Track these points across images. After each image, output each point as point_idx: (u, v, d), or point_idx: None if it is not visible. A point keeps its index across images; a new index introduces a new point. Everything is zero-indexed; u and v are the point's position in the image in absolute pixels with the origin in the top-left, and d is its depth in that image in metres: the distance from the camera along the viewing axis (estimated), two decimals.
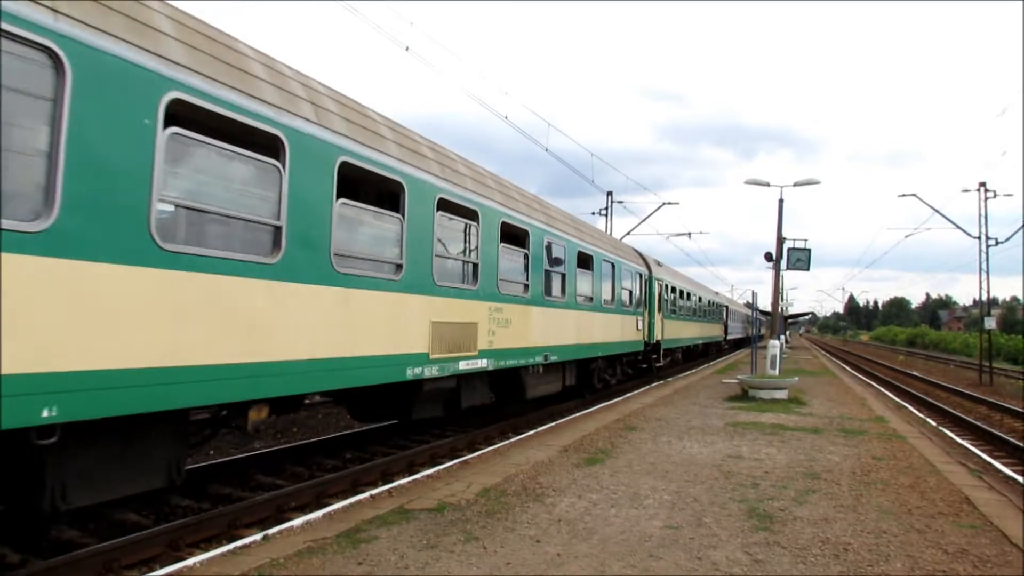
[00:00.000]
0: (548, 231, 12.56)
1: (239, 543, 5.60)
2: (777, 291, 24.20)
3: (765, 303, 33.65)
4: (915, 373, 37.75)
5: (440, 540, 5.71)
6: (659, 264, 23.13)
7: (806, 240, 23.32)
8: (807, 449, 10.24)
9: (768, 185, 23.77)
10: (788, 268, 23.74)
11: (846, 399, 18.45)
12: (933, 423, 15.74)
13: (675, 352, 26.32)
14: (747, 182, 24.17)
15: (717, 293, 45.41)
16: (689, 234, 41.10)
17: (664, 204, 36.24)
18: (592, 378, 16.62)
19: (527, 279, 11.66)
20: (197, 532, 6.28)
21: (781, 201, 23.43)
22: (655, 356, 21.86)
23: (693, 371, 29.54)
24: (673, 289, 24.79)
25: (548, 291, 12.70)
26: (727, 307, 47.53)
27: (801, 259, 23.35)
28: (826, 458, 9.60)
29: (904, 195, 33.26)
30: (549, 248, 12.69)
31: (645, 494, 7.35)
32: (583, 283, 14.67)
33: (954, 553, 5.67)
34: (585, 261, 14.73)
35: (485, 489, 7.43)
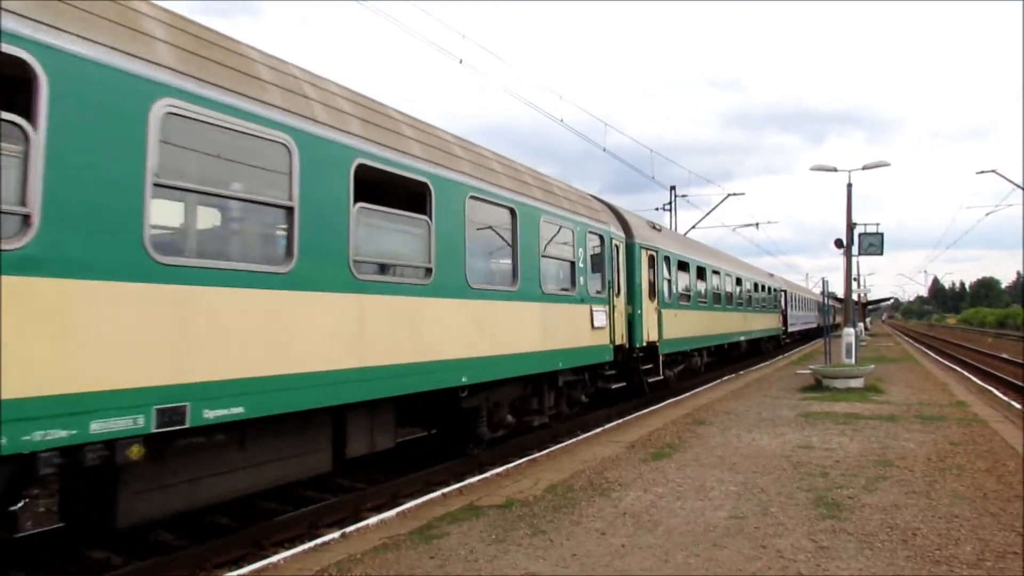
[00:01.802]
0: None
1: (319, 541, 5.95)
2: (849, 277, 23.50)
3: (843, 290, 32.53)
4: (1004, 355, 35.96)
5: (508, 534, 5.93)
6: (655, 227, 16.80)
7: (878, 224, 22.53)
8: (881, 437, 10.04)
9: (835, 170, 23.12)
10: (860, 254, 23.01)
11: (926, 385, 17.86)
12: (1019, 406, 15.07)
13: (691, 358, 19.11)
14: (813, 168, 23.55)
15: (772, 275, 36.28)
16: (757, 224, 40.27)
17: (729, 195, 35.61)
18: (475, 426, 9.42)
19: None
20: (281, 532, 6.69)
21: (850, 186, 22.72)
22: (650, 366, 15.14)
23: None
24: (684, 266, 18.18)
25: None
26: (785, 292, 37.53)
27: (873, 244, 22.58)
28: (900, 445, 9.41)
29: (983, 171, 31.77)
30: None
31: (711, 486, 7.40)
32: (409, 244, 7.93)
33: None
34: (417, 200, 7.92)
35: (552, 485, 7.62)
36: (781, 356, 33.43)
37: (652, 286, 15.25)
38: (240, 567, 5.45)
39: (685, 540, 5.67)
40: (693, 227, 35.50)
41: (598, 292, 12.20)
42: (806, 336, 50.15)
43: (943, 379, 19.95)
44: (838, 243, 23.03)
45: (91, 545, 6.17)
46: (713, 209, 35.62)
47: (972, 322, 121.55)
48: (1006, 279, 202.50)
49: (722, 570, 5.00)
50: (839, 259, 23.92)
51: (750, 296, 27.58)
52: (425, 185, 7.73)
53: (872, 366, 19.06)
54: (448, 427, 9.61)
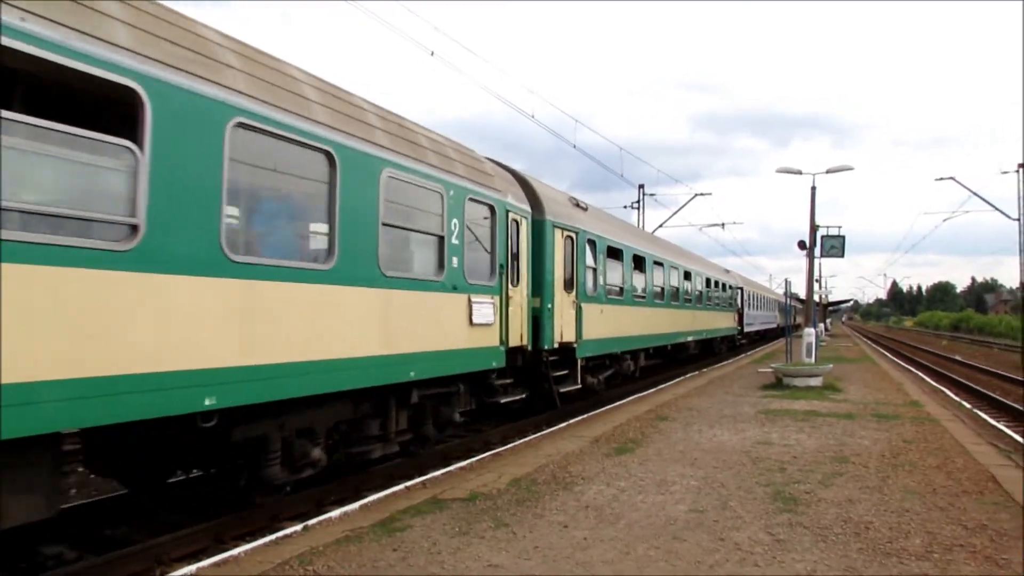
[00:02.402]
0: None
1: (280, 533, 5.91)
2: (811, 279, 23.95)
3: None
4: (957, 358, 37.01)
5: (471, 527, 5.95)
6: (579, 205, 13.89)
7: (840, 227, 23.02)
8: (838, 434, 10.28)
9: (800, 173, 23.52)
10: (822, 255, 23.47)
11: (882, 385, 18.31)
12: (969, 406, 15.55)
13: (622, 361, 16.27)
14: (779, 171, 23.94)
15: (728, 271, 33.19)
16: (722, 224, 40.86)
17: (696, 195, 36.16)
18: (261, 467, 6.66)
19: None
20: (242, 526, 6.63)
21: (813, 189, 23.15)
22: (565, 372, 12.70)
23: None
24: (617, 254, 15.48)
25: None
26: (742, 289, 34.62)
27: (835, 246, 23.06)
28: (856, 442, 9.64)
29: (941, 179, 32.85)
30: None
31: (672, 480, 7.51)
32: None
33: (973, 528, 5.77)
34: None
35: (516, 479, 7.66)
36: (733, 360, 30.33)
37: (571, 275, 12.61)
38: (199, 560, 5.39)
39: (646, 533, 5.75)
40: (661, 225, 35.92)
41: (483, 279, 9.42)
42: (765, 336, 47.83)
43: (899, 379, 20.47)
44: (801, 245, 23.45)
45: (44, 541, 6.04)
46: (680, 208, 36.25)
47: (928, 325, 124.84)
48: (961, 284, 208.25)
49: (681, 562, 5.09)
50: (802, 261, 23.90)
51: (701, 293, 25.02)
52: (132, 92, 4.75)
53: (831, 365, 19.47)
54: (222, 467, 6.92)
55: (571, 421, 12.21)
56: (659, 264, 19.31)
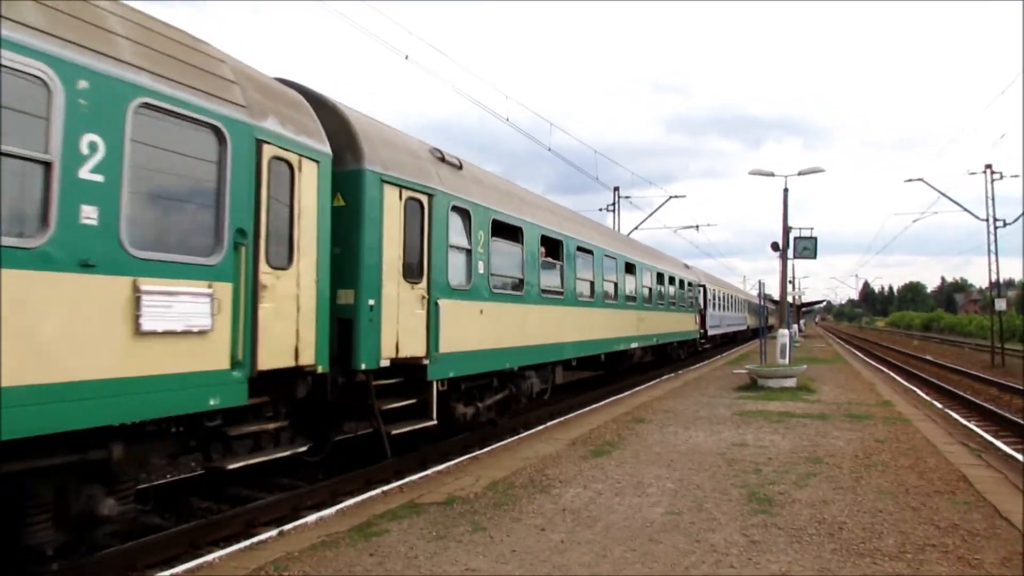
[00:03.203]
0: None
1: (255, 539, 5.86)
2: (784, 280, 24.23)
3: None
4: (928, 357, 37.66)
5: (448, 531, 5.94)
6: (444, 160, 9.86)
7: (812, 228, 23.33)
8: (811, 435, 10.40)
9: (772, 175, 23.79)
10: (795, 257, 23.76)
11: (855, 385, 18.56)
12: (940, 406, 15.82)
13: (520, 380, 12.11)
14: (751, 172, 24.18)
15: (688, 266, 29.25)
16: (697, 226, 41.19)
17: (671, 197, 36.32)
18: None
19: None
20: (217, 531, 6.54)
21: (786, 191, 23.44)
22: (413, 400, 8.80)
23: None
24: (512, 232, 11.51)
25: None
26: (704, 288, 30.89)
27: (808, 247, 23.36)
28: (830, 443, 9.76)
29: (911, 180, 33.23)
30: None
31: (649, 483, 7.55)
32: None
33: (945, 528, 5.86)
34: None
35: (493, 482, 7.65)
36: (695, 367, 26.49)
37: (418, 258, 8.73)
38: (173, 567, 5.31)
39: (623, 535, 5.77)
40: (636, 228, 36.11)
41: (184, 252, 5.51)
42: (735, 339, 44.75)
43: (871, 379, 20.77)
44: (774, 246, 23.71)
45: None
46: (656, 211, 36.30)
47: (899, 325, 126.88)
48: (931, 284, 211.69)
49: (657, 564, 5.12)
50: (776, 262, 23.99)
51: (651, 290, 20.89)
52: None
53: (805, 366, 19.69)
54: None
55: (548, 424, 12.24)
56: (586, 252, 14.77)
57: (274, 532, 6.05)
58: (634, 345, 18.71)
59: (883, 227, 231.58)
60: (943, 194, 32.88)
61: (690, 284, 27.64)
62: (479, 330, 10.16)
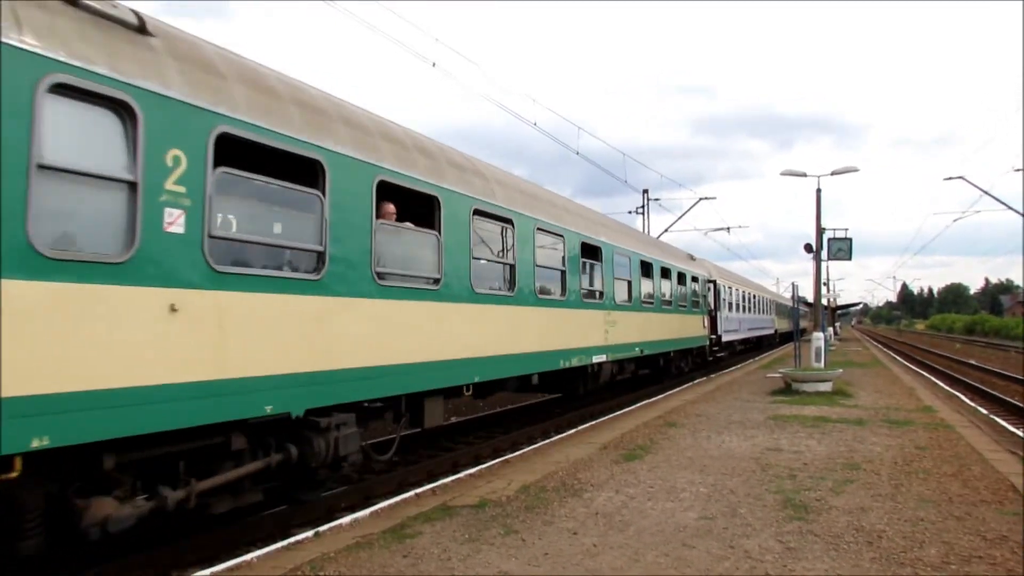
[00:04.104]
0: None
1: (292, 540, 5.95)
2: (818, 282, 23.89)
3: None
4: (972, 361, 36.73)
5: (481, 534, 5.96)
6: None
7: (847, 229, 23.00)
8: (848, 440, 10.23)
9: (804, 175, 23.52)
10: (829, 258, 23.46)
11: (894, 390, 18.19)
12: (985, 412, 15.42)
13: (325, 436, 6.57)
14: (783, 173, 23.95)
15: (693, 258, 23.50)
16: (728, 228, 40.74)
17: (701, 199, 35.97)
18: None
19: None
20: (255, 532, 6.66)
21: (819, 191, 23.15)
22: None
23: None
24: (386, 190, 7.29)
25: None
26: (714, 283, 25.14)
27: (842, 249, 23.03)
28: (867, 449, 9.59)
29: (950, 178, 32.52)
30: None
31: (682, 487, 7.49)
32: None
33: (993, 540, 5.70)
34: None
35: (525, 486, 7.66)
36: (727, 370, 25.57)
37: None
38: (213, 565, 5.41)
39: (655, 540, 5.74)
40: (665, 231, 35.84)
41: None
42: (760, 345, 40.02)
43: (911, 384, 20.33)
44: (808, 248, 23.40)
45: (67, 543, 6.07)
46: (685, 213, 35.96)
47: (940, 328, 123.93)
48: (974, 285, 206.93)
49: (691, 570, 5.08)
50: (809, 264, 23.30)
51: (630, 284, 15.52)
52: None
53: (841, 370, 19.37)
54: None
55: (579, 428, 12.21)
56: (506, 222, 10.00)
57: (310, 533, 6.13)
58: (602, 359, 13.45)
59: (921, 227, 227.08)
60: (985, 192, 32.09)
61: (695, 279, 22.03)
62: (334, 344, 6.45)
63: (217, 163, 5.30)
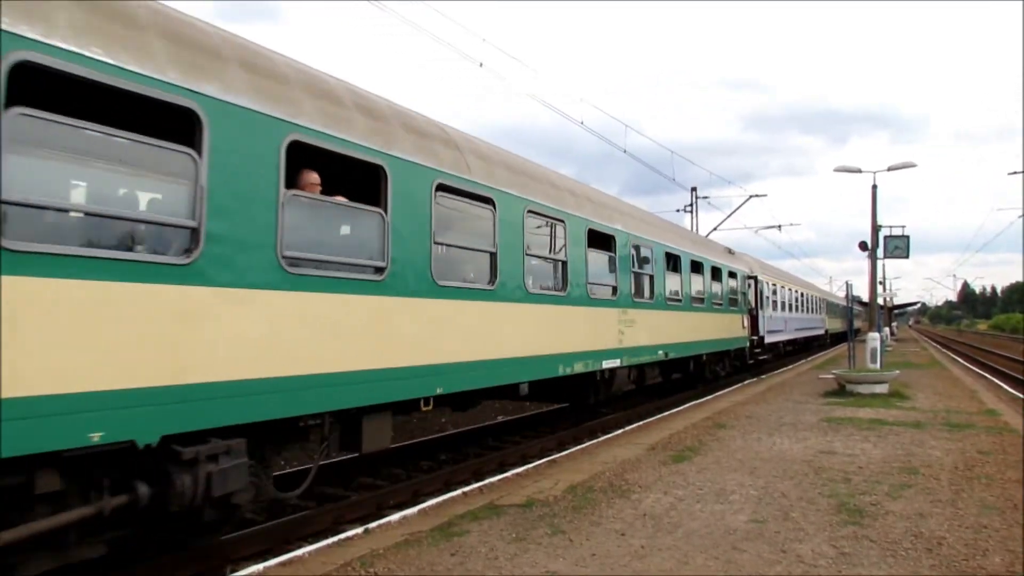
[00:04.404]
0: None
1: (342, 536, 6.04)
2: (874, 281, 23.24)
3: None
4: None
5: (528, 533, 5.96)
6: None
7: (904, 227, 22.31)
8: (906, 444, 9.94)
9: (860, 172, 22.90)
10: (885, 257, 22.78)
11: (954, 392, 17.59)
12: None
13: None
14: (837, 169, 23.37)
15: (731, 252, 21.71)
16: (779, 226, 39.91)
17: (751, 197, 35.37)
18: None
19: None
20: (305, 527, 6.79)
21: (875, 187, 22.52)
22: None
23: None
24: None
25: None
26: (755, 280, 23.37)
27: (899, 247, 22.35)
28: (926, 453, 9.30)
29: (1014, 172, 31.28)
30: None
31: (731, 490, 7.38)
32: None
33: None
34: None
35: (572, 486, 7.64)
36: (778, 371, 24.80)
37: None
38: (267, 560, 5.54)
39: (705, 543, 5.67)
40: (714, 229, 35.35)
41: None
42: (809, 346, 38.27)
43: (972, 386, 19.64)
44: (863, 246, 22.79)
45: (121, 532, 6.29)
46: (735, 211, 35.41)
47: (1004, 328, 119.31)
48: None
49: (741, 574, 5.00)
50: (863, 262, 22.49)
51: (652, 279, 13.72)
52: None
53: (897, 372, 18.84)
54: None
55: (627, 428, 12.13)
56: (460, 195, 7.97)
57: (360, 530, 6.22)
58: (612, 363, 11.66)
59: (984, 224, 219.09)
60: None
61: (732, 274, 20.08)
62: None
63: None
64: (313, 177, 6.22)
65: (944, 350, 49.42)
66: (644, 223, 14.11)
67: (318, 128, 5.84)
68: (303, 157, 5.85)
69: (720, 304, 18.58)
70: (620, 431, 11.76)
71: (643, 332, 12.97)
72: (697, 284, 16.63)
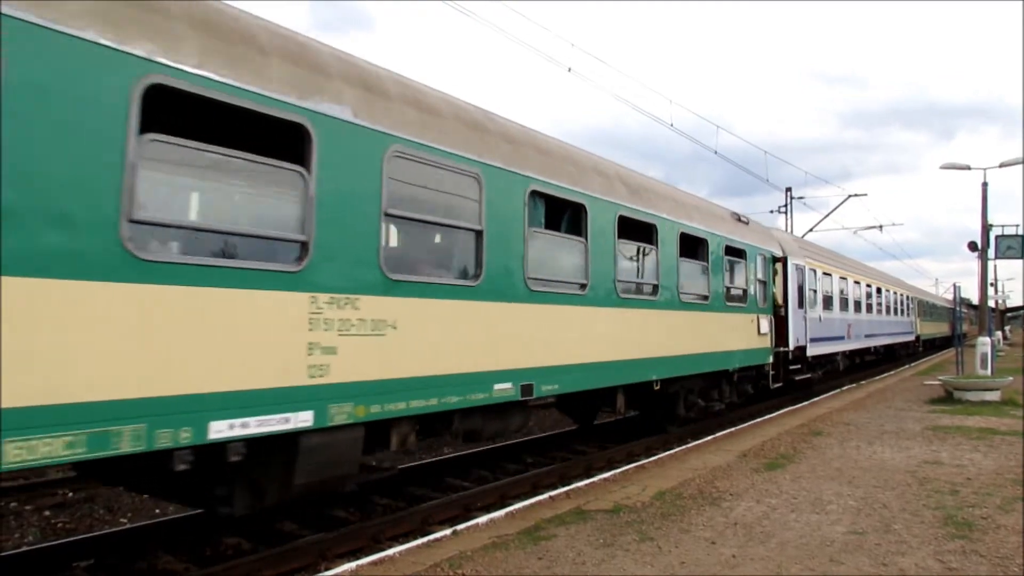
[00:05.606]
0: None
1: (431, 537, 6.17)
2: (984, 282, 21.92)
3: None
4: None
5: (616, 539, 5.93)
6: None
7: (1017, 226, 21.00)
8: (1019, 455, 9.32)
9: (968, 168, 21.69)
10: (997, 257, 21.49)
11: None
12: None
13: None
14: (943, 167, 22.22)
15: (743, 220, 14.04)
16: (880, 226, 38.10)
17: (850, 196, 33.95)
18: None
19: None
20: (395, 527, 6.97)
21: (985, 185, 21.31)
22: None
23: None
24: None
25: None
26: (784, 260, 16.04)
27: (1012, 246, 21.03)
28: None
29: None
30: None
31: (828, 499, 7.12)
32: None
33: None
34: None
35: (660, 492, 7.54)
36: (878, 377, 21.56)
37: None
38: (359, 558, 5.72)
39: (800, 554, 5.49)
40: (810, 230, 34.09)
41: None
42: (892, 356, 30.86)
43: None
44: (972, 246, 21.59)
45: (225, 533, 6.65)
46: (833, 211, 34.02)
47: None
48: None
49: None
50: (973, 263, 21.17)
51: (616, 259, 9.00)
52: None
53: (1011, 378, 17.66)
54: None
55: (718, 434, 11.86)
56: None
57: (448, 531, 6.33)
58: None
59: None
60: None
61: (739, 252, 13.11)
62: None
63: None
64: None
65: None
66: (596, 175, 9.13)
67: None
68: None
69: (708, 298, 11.79)
70: (710, 437, 11.52)
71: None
72: (664, 266, 10.35)
